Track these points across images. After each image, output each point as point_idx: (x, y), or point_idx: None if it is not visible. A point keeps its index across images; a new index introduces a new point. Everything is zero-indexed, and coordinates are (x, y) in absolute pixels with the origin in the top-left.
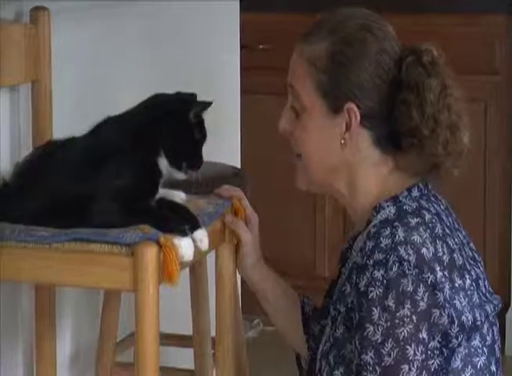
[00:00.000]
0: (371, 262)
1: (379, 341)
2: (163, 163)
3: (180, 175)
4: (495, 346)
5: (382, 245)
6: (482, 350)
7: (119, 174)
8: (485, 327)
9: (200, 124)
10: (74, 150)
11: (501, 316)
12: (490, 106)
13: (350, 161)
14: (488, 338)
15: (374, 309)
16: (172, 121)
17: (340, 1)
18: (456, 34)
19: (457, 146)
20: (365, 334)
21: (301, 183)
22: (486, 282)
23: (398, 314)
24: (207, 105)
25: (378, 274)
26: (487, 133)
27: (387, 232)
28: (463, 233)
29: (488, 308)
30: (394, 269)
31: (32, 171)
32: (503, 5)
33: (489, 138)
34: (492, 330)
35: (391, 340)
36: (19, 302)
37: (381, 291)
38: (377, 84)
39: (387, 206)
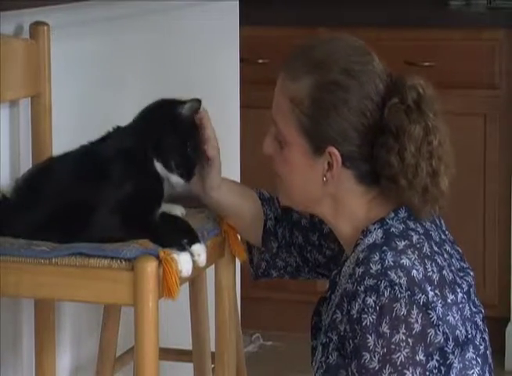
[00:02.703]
0: (362, 288)
1: (376, 368)
2: (160, 168)
3: (175, 179)
4: (487, 352)
5: (372, 271)
6: (476, 361)
7: (120, 187)
8: (478, 337)
9: (191, 125)
10: (73, 164)
11: (501, 330)
12: (490, 120)
13: (333, 194)
14: (481, 347)
15: (369, 336)
16: (161, 121)
17: (341, 16)
18: (456, 49)
19: (436, 191)
20: (362, 362)
21: (284, 201)
22: (475, 288)
23: (393, 339)
24: (195, 103)
25: (370, 300)
26: (486, 147)
27: (377, 257)
28: (449, 242)
29: (478, 318)
30: (386, 294)
31: (32, 186)
32: (503, 20)
33: (489, 152)
34: (484, 338)
35: (388, 366)
36: (19, 317)
37: (374, 317)
38: (359, 130)
39: (374, 229)
